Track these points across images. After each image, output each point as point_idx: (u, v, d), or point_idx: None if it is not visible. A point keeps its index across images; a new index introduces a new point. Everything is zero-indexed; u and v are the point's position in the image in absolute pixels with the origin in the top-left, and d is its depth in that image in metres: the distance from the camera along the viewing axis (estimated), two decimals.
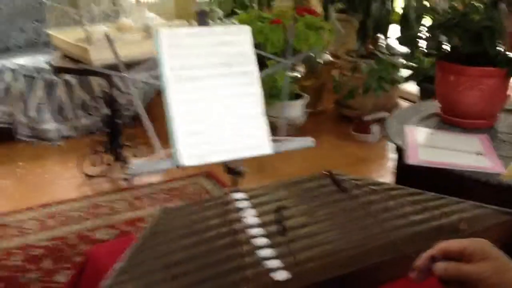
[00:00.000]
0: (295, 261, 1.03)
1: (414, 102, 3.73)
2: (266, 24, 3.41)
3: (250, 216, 1.16)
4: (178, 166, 1.31)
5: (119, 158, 3.12)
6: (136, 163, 1.30)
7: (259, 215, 1.17)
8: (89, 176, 3.13)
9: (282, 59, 1.49)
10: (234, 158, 1.36)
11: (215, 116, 1.35)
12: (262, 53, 1.48)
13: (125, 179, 3.10)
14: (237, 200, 1.22)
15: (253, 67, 1.39)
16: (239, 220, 1.15)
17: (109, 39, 1.35)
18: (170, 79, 1.29)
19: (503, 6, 1.83)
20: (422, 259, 0.83)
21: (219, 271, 0.99)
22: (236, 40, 1.37)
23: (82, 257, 1.18)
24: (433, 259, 0.82)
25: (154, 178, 3.13)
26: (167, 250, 1.04)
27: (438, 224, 1.18)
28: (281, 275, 1.00)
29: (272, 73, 3.30)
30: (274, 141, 1.41)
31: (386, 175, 3.16)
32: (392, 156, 3.45)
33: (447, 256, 0.81)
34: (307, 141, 1.50)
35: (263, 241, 1.09)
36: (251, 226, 1.13)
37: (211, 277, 0.97)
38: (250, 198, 1.24)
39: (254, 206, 1.20)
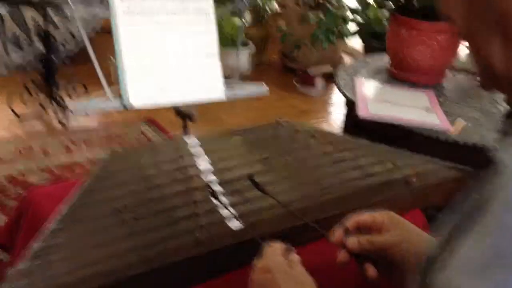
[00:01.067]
0: (249, 211, 1.00)
1: (357, 57, 3.74)
2: None
3: (204, 163, 1.11)
4: (126, 107, 1.24)
5: (54, 98, 2.95)
6: (79, 102, 1.21)
7: (213, 162, 1.12)
8: (20, 116, 2.95)
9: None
10: (186, 101, 1.30)
11: (167, 56, 1.27)
12: None
13: (60, 122, 2.95)
14: (190, 146, 1.17)
15: (209, 4, 1.31)
16: (192, 166, 1.09)
17: None
18: (120, 10, 1.19)
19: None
20: (336, 234, 0.83)
21: (173, 218, 0.94)
22: None
23: (21, 200, 1.10)
24: (346, 233, 0.83)
25: (91, 122, 3.00)
26: (117, 194, 0.98)
27: (390, 177, 1.18)
28: (235, 224, 0.96)
29: (222, 15, 3.19)
30: (227, 86, 1.35)
31: (328, 128, 3.17)
32: (335, 110, 3.48)
33: (358, 228, 0.83)
34: (260, 88, 1.45)
35: (217, 188, 1.04)
36: (205, 173, 1.08)
37: (164, 223, 0.93)
38: (203, 144, 1.18)
39: (208, 153, 1.15)
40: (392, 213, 0.84)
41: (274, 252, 0.78)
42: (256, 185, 0.97)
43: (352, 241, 0.81)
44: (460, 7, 0.54)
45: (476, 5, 0.52)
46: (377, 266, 0.81)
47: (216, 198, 0.98)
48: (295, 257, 0.79)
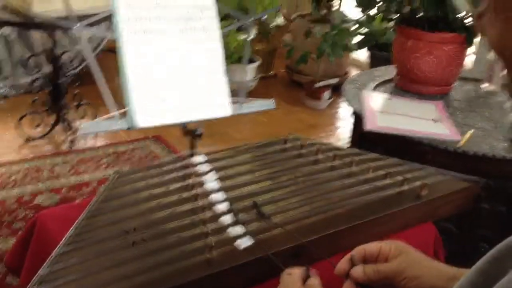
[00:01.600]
0: (258, 228, 0.99)
1: (364, 69, 3.73)
2: None
3: (211, 181, 1.10)
4: (132, 127, 1.23)
5: (62, 119, 2.97)
6: (87, 123, 1.21)
7: (221, 180, 1.11)
8: (30, 138, 2.97)
9: (244, 16, 1.41)
10: (193, 119, 1.29)
11: (173, 74, 1.27)
12: (224, 8, 1.40)
13: (69, 142, 2.96)
14: (197, 164, 1.16)
15: (214, 22, 1.31)
16: (200, 185, 1.09)
17: None
18: (125, 31, 1.19)
19: None
20: (341, 264, 0.83)
21: (182, 238, 0.93)
22: None
23: (30, 222, 1.09)
24: (352, 263, 0.82)
25: (99, 142, 3.01)
26: (125, 215, 0.98)
27: (400, 190, 1.17)
28: (244, 242, 0.95)
29: (227, 32, 3.20)
30: (233, 103, 1.35)
31: (336, 142, 3.16)
32: (342, 123, 3.46)
33: (365, 258, 0.82)
34: (267, 104, 1.44)
35: (226, 207, 1.03)
36: (213, 191, 1.07)
37: (172, 244, 0.92)
38: (211, 162, 1.18)
39: (215, 171, 1.14)
40: (400, 242, 0.84)
41: (293, 280, 0.77)
42: (261, 214, 0.97)
43: (358, 271, 0.80)
44: (500, 25, 0.53)
45: None
46: None
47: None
48: (315, 281, 0.78)
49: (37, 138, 3.00)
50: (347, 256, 0.83)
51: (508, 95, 0.58)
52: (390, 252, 0.81)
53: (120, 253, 0.89)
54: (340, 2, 3.68)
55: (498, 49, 0.55)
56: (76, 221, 0.94)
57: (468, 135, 1.60)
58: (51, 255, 0.85)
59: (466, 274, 0.50)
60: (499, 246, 0.47)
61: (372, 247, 0.83)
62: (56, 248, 0.87)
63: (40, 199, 2.45)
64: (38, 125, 3.00)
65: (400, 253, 0.81)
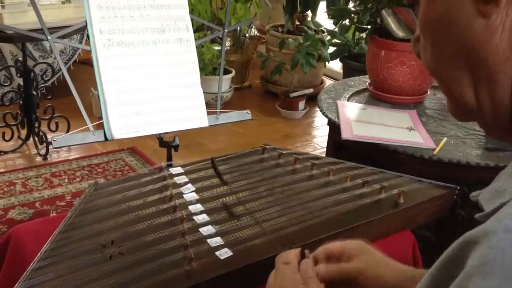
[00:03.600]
0: (237, 239, 0.98)
1: (337, 79, 3.76)
2: None
3: (189, 192, 1.10)
4: (107, 139, 1.22)
5: (34, 132, 2.92)
6: (60, 136, 1.19)
7: (199, 191, 1.11)
8: (1, 152, 2.91)
9: (219, 27, 1.41)
10: (169, 130, 1.28)
11: (148, 86, 1.26)
12: (198, 19, 1.40)
13: (42, 155, 2.91)
14: (174, 175, 1.15)
15: (189, 34, 1.31)
16: (178, 196, 1.08)
17: (32, 2, 1.22)
18: (99, 44, 1.18)
19: (387, 11, 1.83)
20: (306, 264, 0.82)
21: (160, 250, 0.92)
22: (171, 4, 1.28)
23: (4, 238, 1.07)
24: (316, 262, 0.82)
25: (73, 154, 2.96)
26: (101, 229, 0.96)
27: (378, 199, 1.17)
28: (224, 253, 0.95)
29: (201, 43, 3.20)
30: (209, 114, 1.35)
31: (313, 151, 3.17)
32: (318, 132, 3.48)
33: (329, 258, 0.82)
34: (243, 114, 1.45)
35: (204, 218, 1.03)
36: (191, 203, 1.06)
37: (151, 257, 0.90)
38: (188, 173, 1.17)
39: (192, 182, 1.13)
40: (361, 242, 0.84)
41: (291, 270, 0.77)
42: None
43: (321, 269, 0.79)
44: (429, 48, 0.55)
45: (442, 45, 0.54)
46: None
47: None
48: (307, 265, 0.78)
49: (9, 151, 2.94)
50: (311, 256, 0.82)
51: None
52: (352, 251, 0.81)
53: (97, 268, 0.87)
54: (313, 14, 3.71)
55: (432, 72, 0.57)
56: (52, 236, 0.92)
57: (442, 143, 1.62)
58: (26, 271, 0.83)
59: (422, 279, 0.50)
60: (448, 251, 0.47)
61: (334, 246, 0.83)
62: (31, 264, 0.85)
63: (13, 214, 2.40)
64: (10, 139, 2.95)
65: (362, 253, 0.81)
